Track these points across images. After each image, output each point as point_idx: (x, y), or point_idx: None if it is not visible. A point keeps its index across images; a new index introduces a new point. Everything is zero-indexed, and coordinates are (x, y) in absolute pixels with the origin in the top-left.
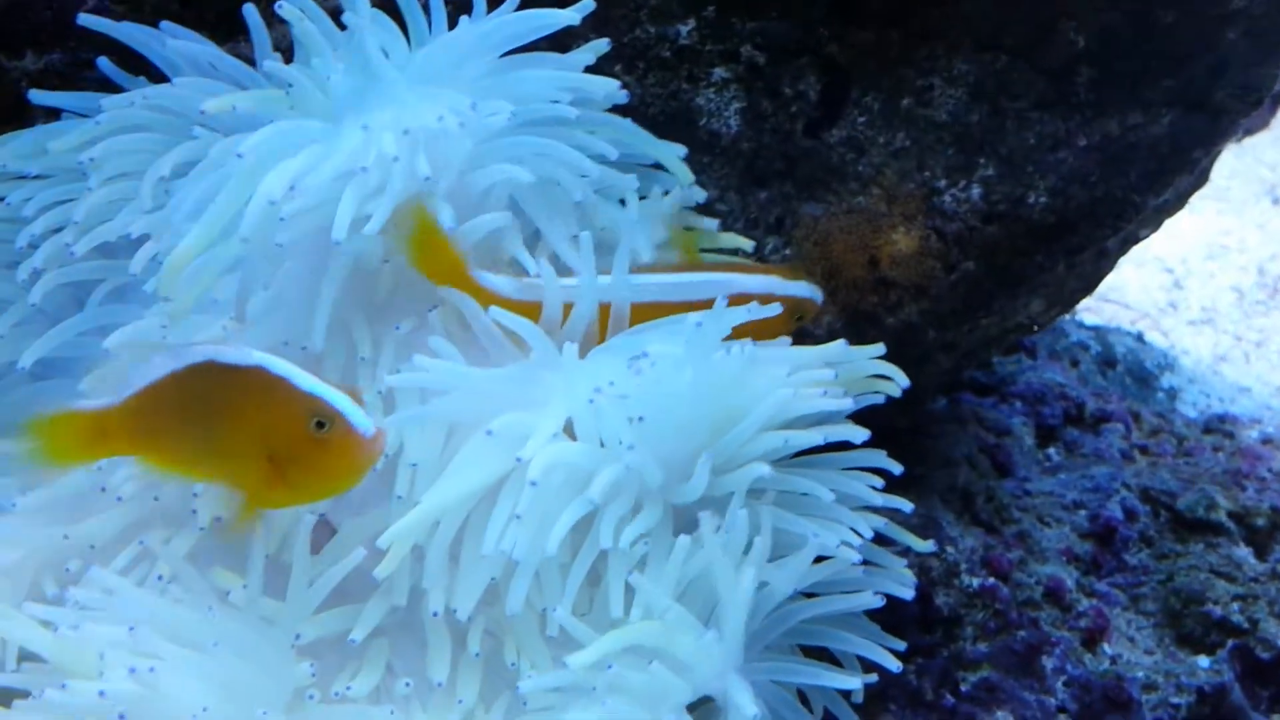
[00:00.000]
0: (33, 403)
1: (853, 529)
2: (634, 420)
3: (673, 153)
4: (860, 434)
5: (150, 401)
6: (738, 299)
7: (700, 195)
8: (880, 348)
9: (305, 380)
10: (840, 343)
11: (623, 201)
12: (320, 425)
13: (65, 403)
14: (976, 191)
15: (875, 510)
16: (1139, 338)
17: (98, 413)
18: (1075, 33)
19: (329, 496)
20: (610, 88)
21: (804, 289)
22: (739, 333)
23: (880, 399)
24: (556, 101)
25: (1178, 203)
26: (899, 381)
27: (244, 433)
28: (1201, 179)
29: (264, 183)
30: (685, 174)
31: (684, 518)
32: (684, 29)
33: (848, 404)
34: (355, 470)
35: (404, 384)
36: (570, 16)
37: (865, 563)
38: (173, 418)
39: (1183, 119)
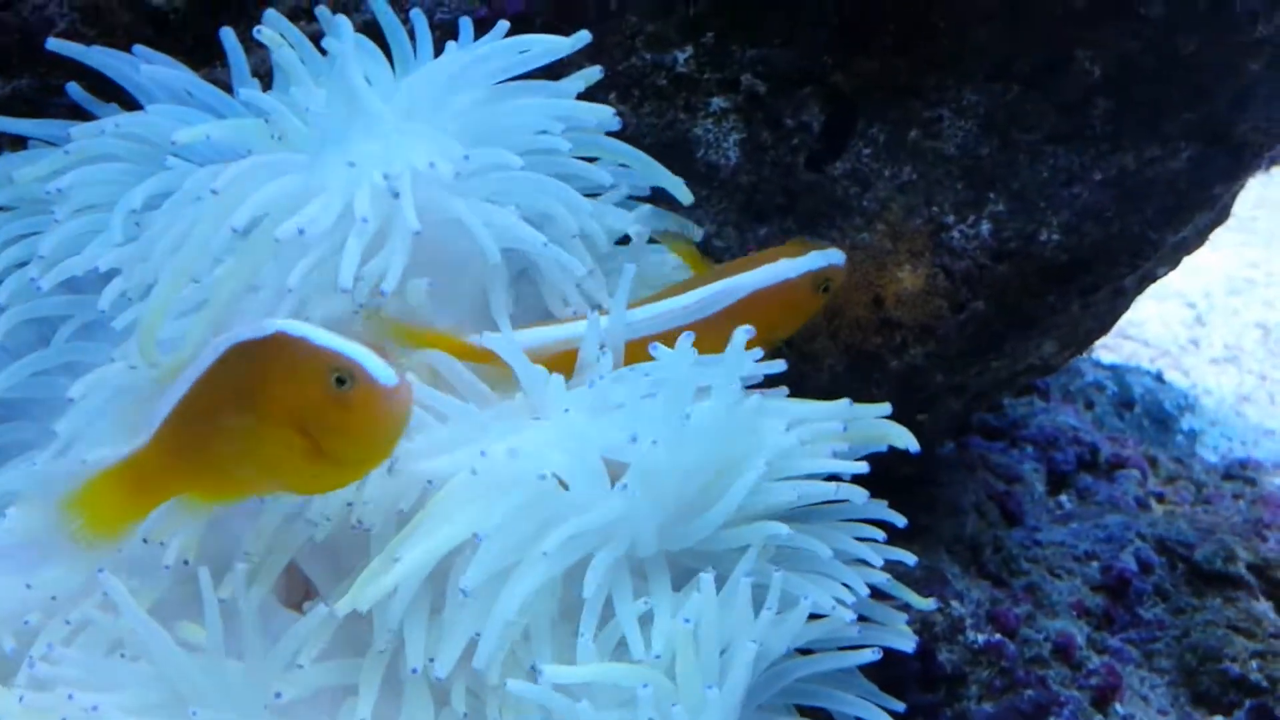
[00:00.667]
0: (43, 476)
1: (847, 585)
2: (633, 468)
3: (673, 180)
4: (860, 495)
5: (181, 421)
6: (753, 299)
7: (697, 232)
8: (885, 407)
9: (323, 336)
10: (844, 402)
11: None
12: (340, 382)
13: (85, 466)
14: (986, 228)
15: (877, 565)
16: (1158, 377)
17: (130, 461)
18: (1091, 62)
19: (371, 465)
20: (604, 114)
21: (818, 259)
22: (763, 324)
23: (883, 447)
24: (545, 132)
25: (1197, 239)
26: (908, 447)
27: (273, 409)
28: (1223, 214)
29: (235, 219)
30: (686, 194)
31: (679, 566)
32: (681, 56)
33: (854, 467)
34: (384, 429)
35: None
36: (563, 45)
37: (863, 619)
38: (206, 425)
39: (1203, 153)
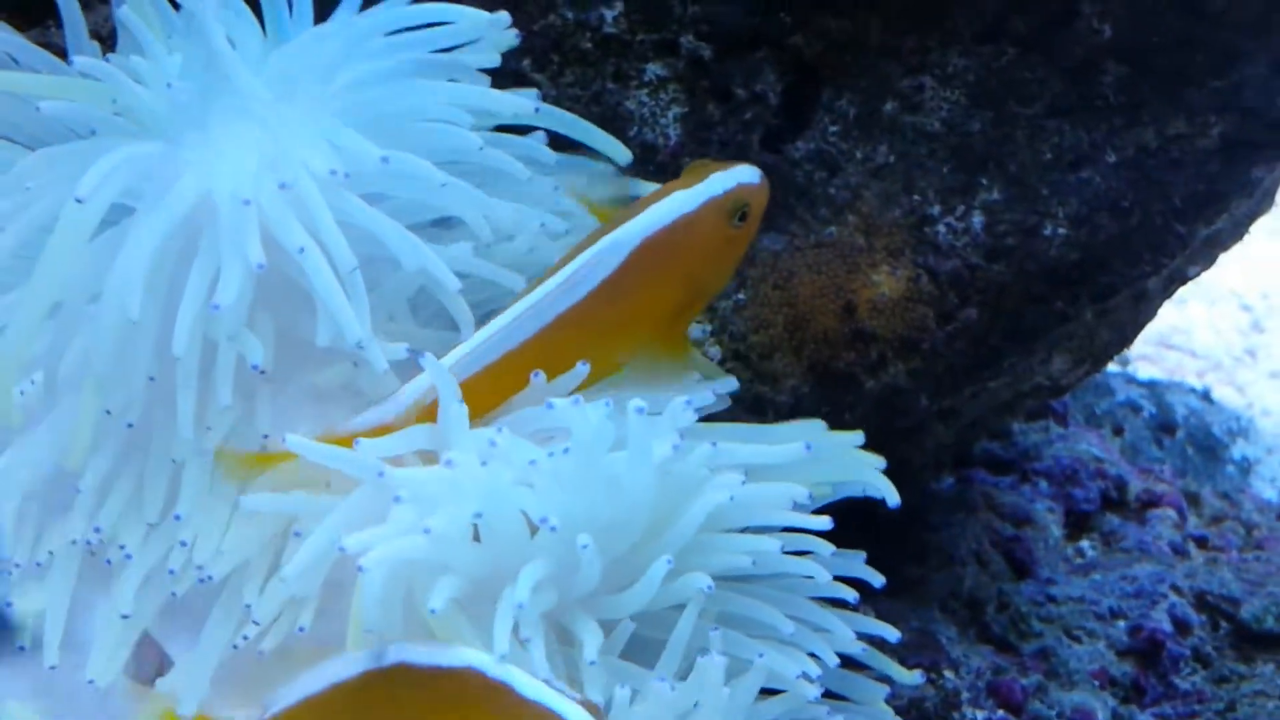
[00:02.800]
0: None
1: (813, 655)
2: (547, 520)
3: (610, 141)
4: (825, 548)
5: None
6: (643, 255)
7: (634, 183)
8: (858, 436)
9: (528, 685)
10: (810, 425)
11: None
12: None
13: None
14: (978, 220)
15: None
16: (1205, 395)
17: None
18: (1100, 19)
19: None
20: (523, 107)
21: (720, 180)
22: (671, 284)
23: (859, 492)
24: (453, 124)
25: (1234, 233)
26: (887, 498)
27: None
28: (1265, 202)
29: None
30: (623, 152)
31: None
32: (609, 14)
33: (815, 522)
34: None
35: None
36: (479, 21)
37: (831, 695)
38: None
39: (1238, 128)
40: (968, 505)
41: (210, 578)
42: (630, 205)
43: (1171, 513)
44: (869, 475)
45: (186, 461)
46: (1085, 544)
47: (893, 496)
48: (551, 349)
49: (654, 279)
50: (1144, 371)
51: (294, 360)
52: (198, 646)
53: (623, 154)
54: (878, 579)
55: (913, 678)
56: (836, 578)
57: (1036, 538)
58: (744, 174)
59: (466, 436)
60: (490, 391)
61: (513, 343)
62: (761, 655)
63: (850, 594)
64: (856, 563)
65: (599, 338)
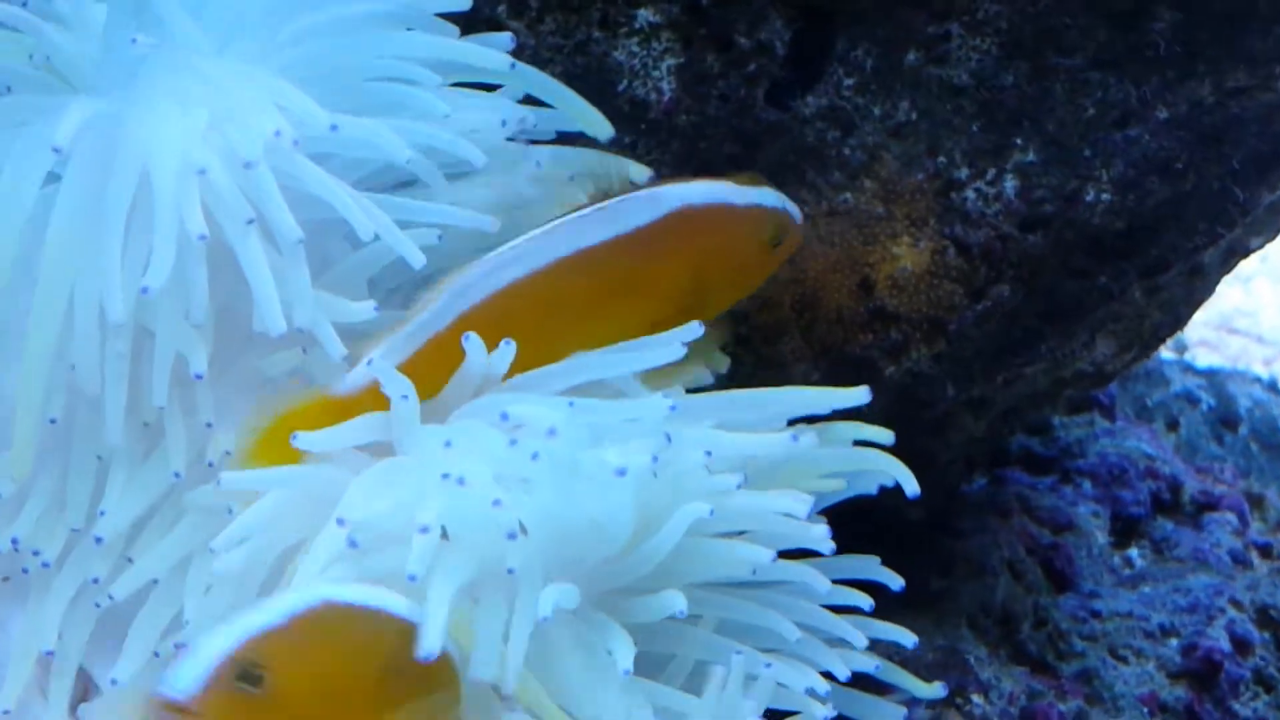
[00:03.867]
0: None
1: (825, 673)
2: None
3: (592, 112)
4: (827, 545)
5: None
6: (679, 221)
7: (640, 169)
8: (861, 392)
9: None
10: (813, 394)
11: None
12: None
13: None
14: (1011, 185)
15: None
16: (1273, 385)
17: None
18: None
19: None
20: (499, 63)
21: (771, 196)
22: (690, 271)
23: (873, 489)
24: (414, 83)
25: None
26: (905, 486)
27: None
28: None
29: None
30: (605, 126)
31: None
32: None
33: (814, 531)
34: None
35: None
36: None
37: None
38: None
39: None
40: (1001, 508)
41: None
42: (664, 179)
43: (1231, 517)
44: (881, 461)
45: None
46: (1134, 552)
47: (911, 485)
48: (557, 291)
49: (674, 251)
50: (1203, 358)
51: (238, 342)
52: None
53: (604, 128)
54: (896, 581)
55: (935, 690)
56: (846, 582)
57: (1079, 545)
58: (793, 207)
59: (417, 443)
60: (495, 326)
61: (524, 270)
62: (740, 652)
63: (865, 599)
64: (873, 564)
65: (600, 292)
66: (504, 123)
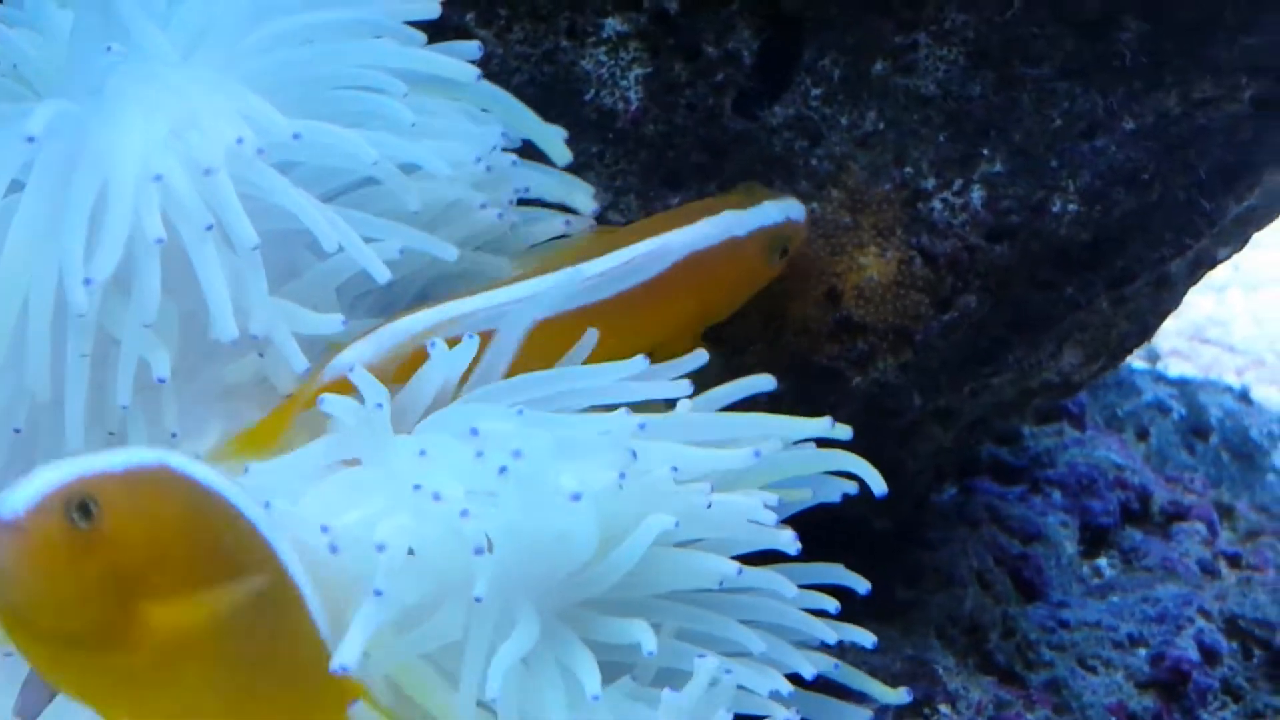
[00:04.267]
0: None
1: (791, 675)
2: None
3: (552, 133)
4: (792, 545)
5: None
6: (686, 268)
7: (586, 198)
8: (826, 423)
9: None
10: (779, 423)
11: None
12: None
13: None
14: (978, 195)
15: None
16: (1243, 395)
17: None
18: None
19: None
20: (466, 74)
21: (773, 211)
22: (696, 302)
23: (836, 497)
24: (382, 92)
25: (1270, 210)
26: (872, 486)
27: None
28: None
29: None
30: (562, 151)
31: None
32: None
33: (782, 536)
34: None
35: None
36: None
37: None
38: None
39: (1272, 90)
40: (970, 519)
41: None
42: (677, 214)
43: (1201, 527)
44: (845, 460)
45: None
46: (1102, 562)
47: (878, 484)
48: (563, 337)
49: (682, 293)
50: (1175, 368)
51: (201, 350)
52: None
53: (561, 153)
54: (862, 585)
55: (899, 695)
56: (812, 586)
57: (1047, 555)
58: (795, 210)
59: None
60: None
61: (532, 319)
62: (703, 655)
63: (830, 603)
64: (838, 570)
65: (611, 338)
66: (478, 159)
